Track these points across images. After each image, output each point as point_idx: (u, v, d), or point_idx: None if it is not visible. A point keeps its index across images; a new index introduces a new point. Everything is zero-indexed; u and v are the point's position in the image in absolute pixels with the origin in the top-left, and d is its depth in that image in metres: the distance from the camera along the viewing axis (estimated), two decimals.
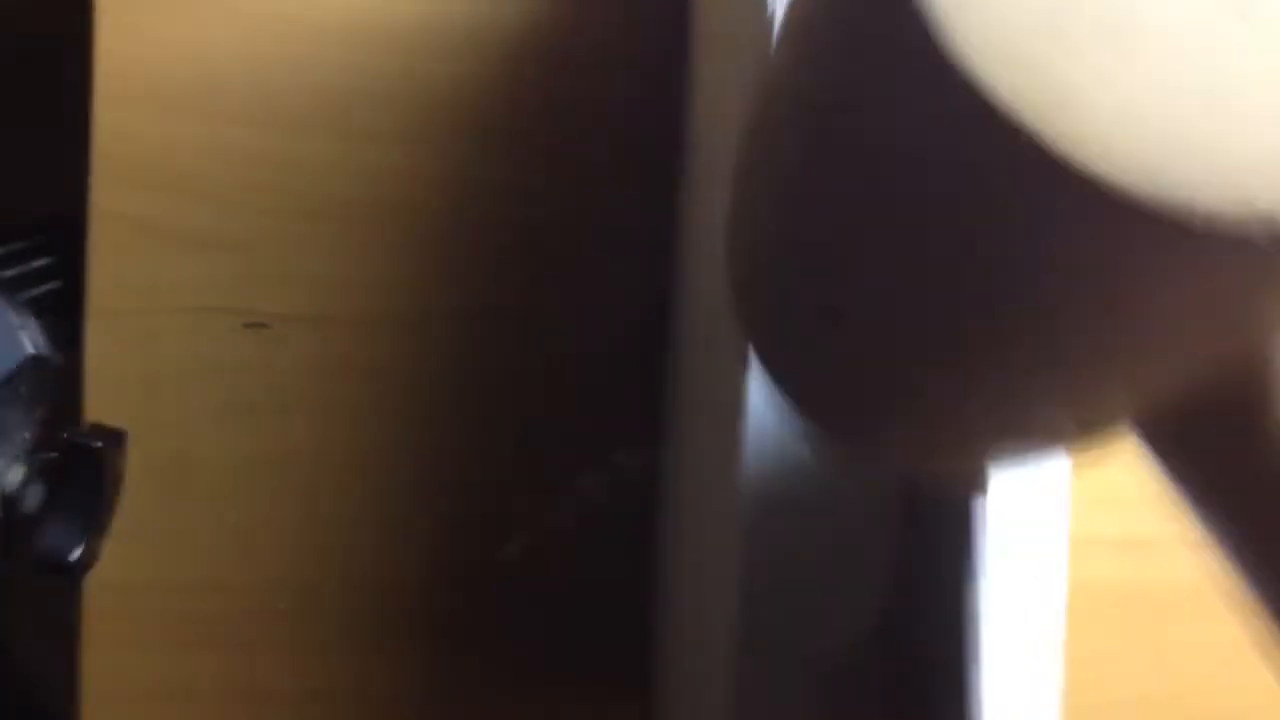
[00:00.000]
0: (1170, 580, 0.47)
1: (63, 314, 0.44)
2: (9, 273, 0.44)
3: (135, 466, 0.43)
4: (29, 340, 0.36)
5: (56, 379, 0.38)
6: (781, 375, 0.25)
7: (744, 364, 0.30)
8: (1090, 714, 0.46)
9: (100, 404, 0.44)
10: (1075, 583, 0.48)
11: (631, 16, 0.44)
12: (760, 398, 0.30)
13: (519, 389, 0.46)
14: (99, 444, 0.37)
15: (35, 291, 0.44)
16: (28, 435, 0.38)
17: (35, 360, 0.36)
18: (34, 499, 0.38)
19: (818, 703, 0.31)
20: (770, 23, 0.28)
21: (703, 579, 0.37)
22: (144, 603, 0.45)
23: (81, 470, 0.37)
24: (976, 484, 0.30)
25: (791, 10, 0.23)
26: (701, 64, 0.40)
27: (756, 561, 0.30)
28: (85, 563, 0.39)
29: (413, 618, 0.46)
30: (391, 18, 0.44)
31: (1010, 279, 0.20)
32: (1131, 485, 0.48)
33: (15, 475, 0.38)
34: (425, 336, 0.45)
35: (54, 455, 0.38)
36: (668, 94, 0.44)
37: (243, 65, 0.44)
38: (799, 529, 0.30)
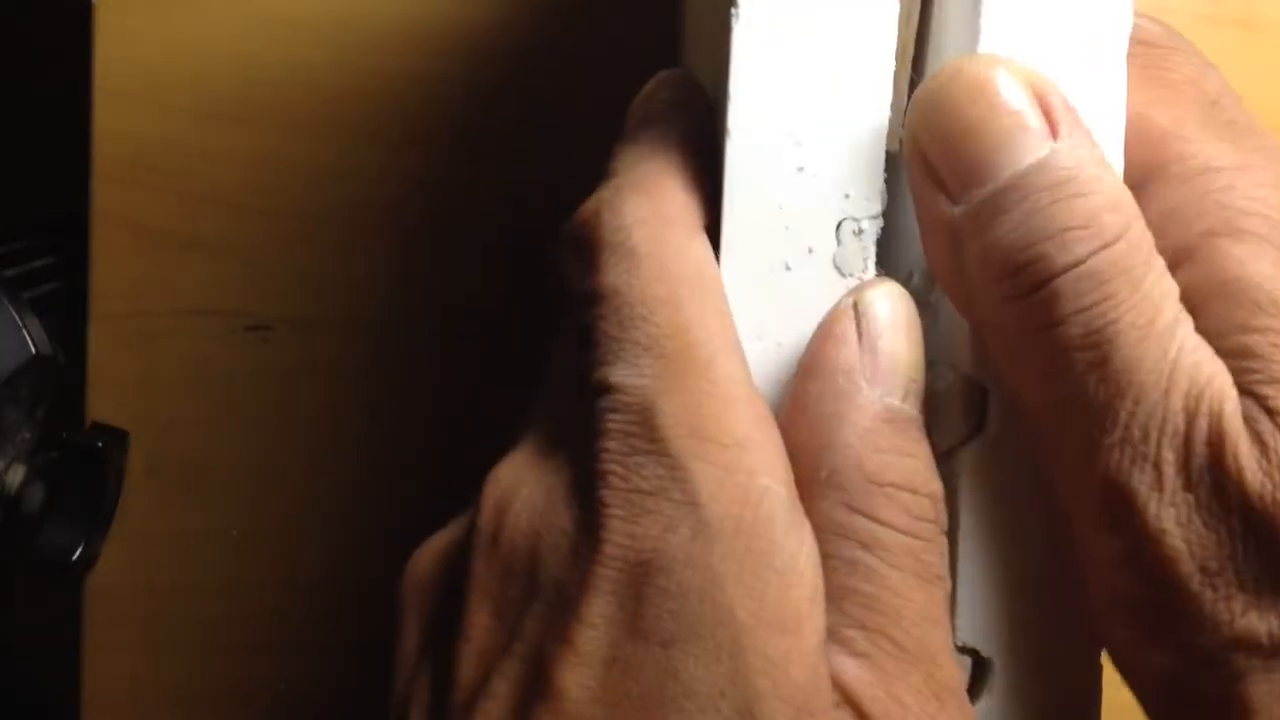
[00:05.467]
0: None
1: (64, 313, 0.44)
2: (10, 272, 0.44)
3: (135, 468, 0.43)
4: (32, 339, 0.36)
5: (58, 378, 0.38)
6: None
7: None
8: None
9: (100, 406, 0.44)
10: None
11: (624, 16, 0.44)
12: None
13: (521, 391, 0.46)
14: (100, 443, 0.37)
15: (37, 291, 0.44)
16: (29, 435, 0.38)
17: (37, 360, 0.36)
18: (35, 499, 0.38)
19: None
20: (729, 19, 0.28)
21: None
22: (144, 604, 0.45)
23: (82, 470, 0.37)
24: None
25: None
26: (689, 64, 0.40)
27: None
28: (86, 563, 0.39)
29: None
30: (391, 19, 0.44)
31: None
32: None
33: (16, 475, 0.38)
34: (428, 339, 0.45)
35: (55, 455, 0.38)
36: None
37: (244, 67, 0.44)
38: None
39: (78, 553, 0.38)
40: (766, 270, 0.28)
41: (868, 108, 0.28)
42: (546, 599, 0.26)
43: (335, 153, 0.44)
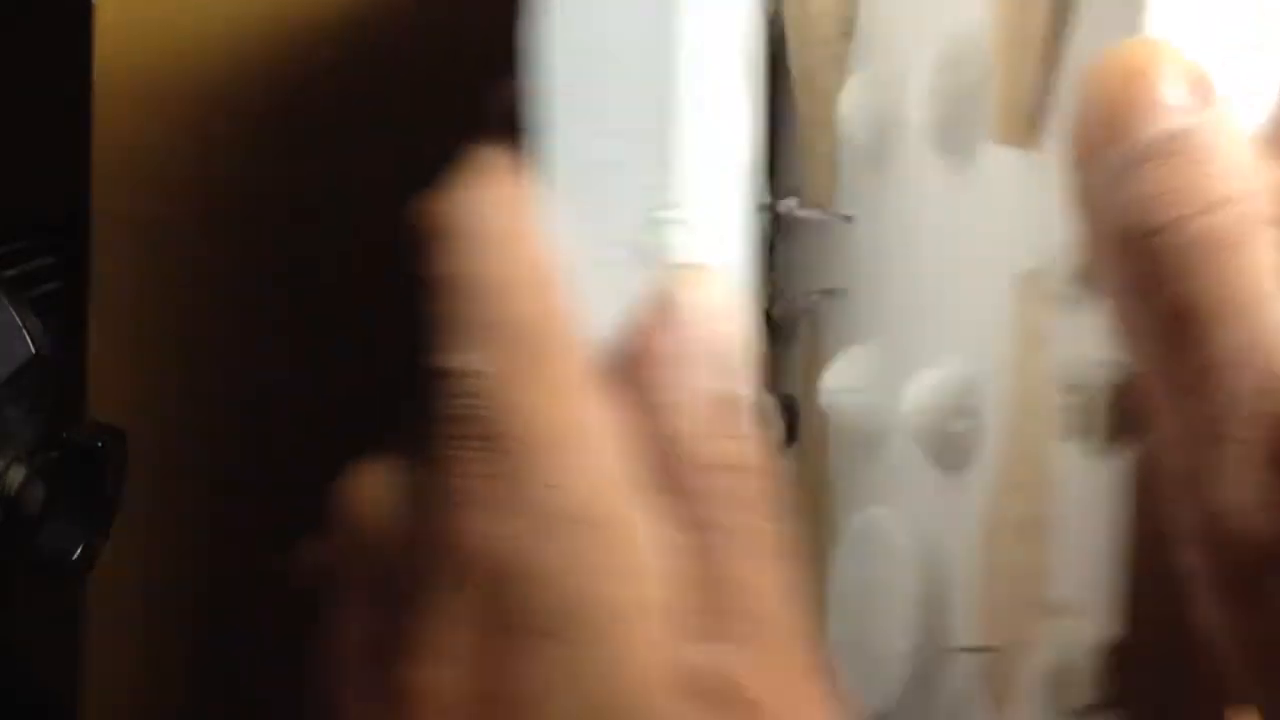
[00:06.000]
0: None
1: (65, 313, 0.44)
2: (10, 272, 0.44)
3: (135, 468, 0.43)
4: (31, 339, 0.36)
5: (59, 378, 0.38)
6: None
7: None
8: None
9: (101, 405, 0.44)
10: None
11: None
12: None
13: None
14: (100, 443, 0.37)
15: (37, 291, 0.44)
16: (29, 435, 0.38)
17: (37, 360, 0.36)
18: (35, 499, 0.38)
19: None
20: None
21: None
22: (144, 604, 0.45)
23: (83, 470, 0.37)
24: None
25: None
26: None
27: None
28: (86, 563, 0.39)
29: None
30: (390, 20, 0.44)
31: None
32: None
33: (16, 475, 0.38)
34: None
35: (55, 455, 0.38)
36: None
37: (244, 66, 0.44)
38: None
39: (78, 553, 0.38)
40: (574, 260, 0.28)
41: (676, 94, 0.28)
42: (404, 597, 0.26)
43: (338, 155, 0.44)
